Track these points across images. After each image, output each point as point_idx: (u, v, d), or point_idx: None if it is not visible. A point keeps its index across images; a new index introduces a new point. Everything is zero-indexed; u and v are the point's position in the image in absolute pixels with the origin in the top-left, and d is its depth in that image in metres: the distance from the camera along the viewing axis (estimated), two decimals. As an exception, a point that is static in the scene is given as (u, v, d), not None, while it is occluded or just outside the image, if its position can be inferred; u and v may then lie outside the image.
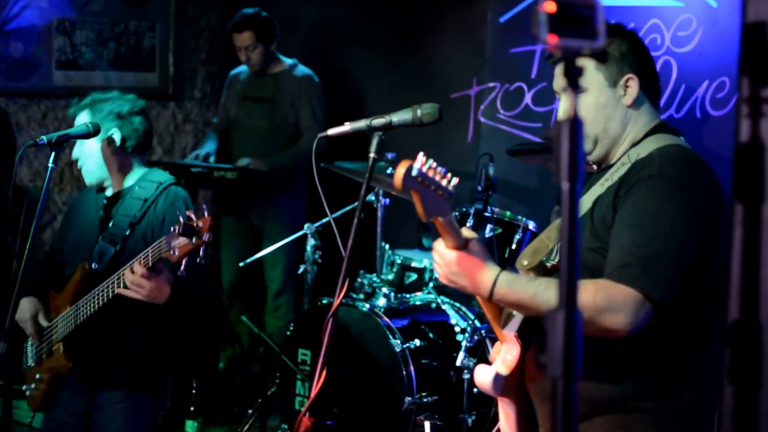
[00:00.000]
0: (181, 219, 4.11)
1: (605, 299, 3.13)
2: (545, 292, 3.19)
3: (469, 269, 3.29)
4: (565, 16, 1.90)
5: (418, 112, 3.53)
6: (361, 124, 3.56)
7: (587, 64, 3.40)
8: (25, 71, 7.48)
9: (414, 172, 3.03)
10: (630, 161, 3.40)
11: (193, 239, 4.12)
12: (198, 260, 4.23)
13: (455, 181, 3.16)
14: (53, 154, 4.35)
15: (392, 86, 7.74)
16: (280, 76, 7.67)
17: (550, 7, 1.89)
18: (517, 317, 3.43)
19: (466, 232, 3.32)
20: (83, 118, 4.81)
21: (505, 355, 3.45)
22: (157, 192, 4.82)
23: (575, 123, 1.89)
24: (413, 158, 3.06)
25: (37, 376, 4.94)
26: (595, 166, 3.60)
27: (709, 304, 3.35)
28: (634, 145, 3.46)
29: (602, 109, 3.46)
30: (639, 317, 3.14)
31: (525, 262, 3.50)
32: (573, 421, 1.93)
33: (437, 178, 3.10)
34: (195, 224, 4.12)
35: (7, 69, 7.45)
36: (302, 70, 7.67)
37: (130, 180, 4.89)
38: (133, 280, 4.39)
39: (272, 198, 7.65)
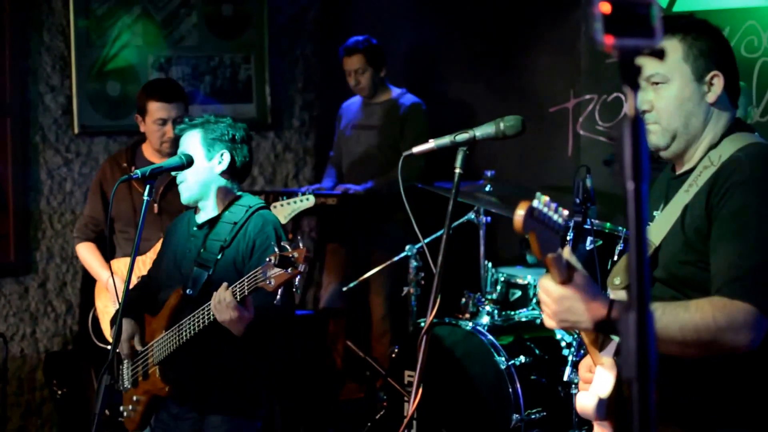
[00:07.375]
0: (277, 250, 4.19)
1: (725, 318, 3.03)
2: (662, 318, 3.06)
3: (580, 304, 3.08)
4: (621, 15, 1.89)
5: (501, 125, 3.52)
6: (445, 140, 3.56)
7: (674, 55, 3.34)
8: (125, 109, 7.60)
9: (535, 213, 2.89)
10: (713, 164, 3.29)
11: (289, 270, 4.20)
12: (294, 290, 4.29)
13: (566, 213, 3.00)
14: (147, 187, 4.42)
15: (490, 104, 7.73)
16: (388, 104, 7.81)
17: (605, 7, 1.88)
18: (615, 340, 3.35)
19: (570, 259, 3.10)
20: (192, 137, 4.87)
21: (602, 378, 3.39)
22: (246, 216, 4.85)
23: (637, 121, 1.88)
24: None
25: (134, 398, 5.02)
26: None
27: None
28: (713, 147, 3.34)
29: (685, 102, 3.33)
30: (759, 333, 3.04)
31: (617, 281, 3.43)
32: (650, 422, 1.90)
33: (551, 213, 2.95)
34: (290, 255, 4.19)
35: (108, 108, 7.61)
36: (410, 98, 7.79)
37: (223, 206, 4.93)
38: (220, 301, 4.46)
39: (381, 224, 7.71)
